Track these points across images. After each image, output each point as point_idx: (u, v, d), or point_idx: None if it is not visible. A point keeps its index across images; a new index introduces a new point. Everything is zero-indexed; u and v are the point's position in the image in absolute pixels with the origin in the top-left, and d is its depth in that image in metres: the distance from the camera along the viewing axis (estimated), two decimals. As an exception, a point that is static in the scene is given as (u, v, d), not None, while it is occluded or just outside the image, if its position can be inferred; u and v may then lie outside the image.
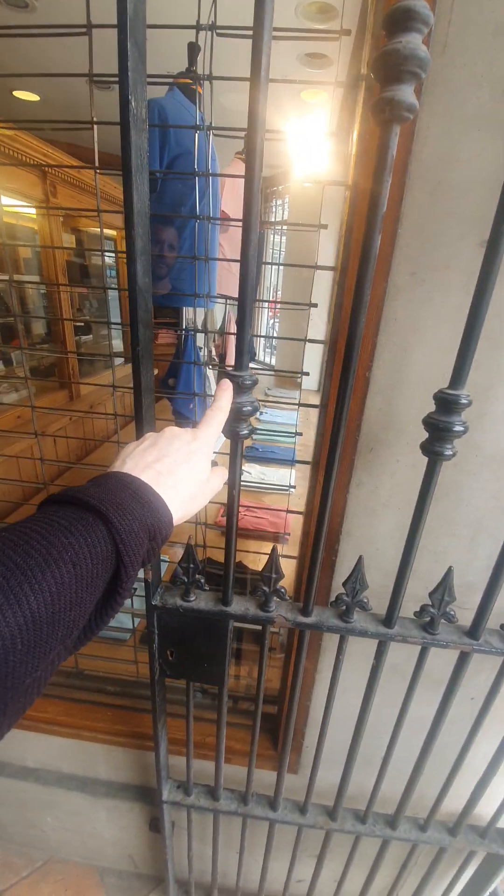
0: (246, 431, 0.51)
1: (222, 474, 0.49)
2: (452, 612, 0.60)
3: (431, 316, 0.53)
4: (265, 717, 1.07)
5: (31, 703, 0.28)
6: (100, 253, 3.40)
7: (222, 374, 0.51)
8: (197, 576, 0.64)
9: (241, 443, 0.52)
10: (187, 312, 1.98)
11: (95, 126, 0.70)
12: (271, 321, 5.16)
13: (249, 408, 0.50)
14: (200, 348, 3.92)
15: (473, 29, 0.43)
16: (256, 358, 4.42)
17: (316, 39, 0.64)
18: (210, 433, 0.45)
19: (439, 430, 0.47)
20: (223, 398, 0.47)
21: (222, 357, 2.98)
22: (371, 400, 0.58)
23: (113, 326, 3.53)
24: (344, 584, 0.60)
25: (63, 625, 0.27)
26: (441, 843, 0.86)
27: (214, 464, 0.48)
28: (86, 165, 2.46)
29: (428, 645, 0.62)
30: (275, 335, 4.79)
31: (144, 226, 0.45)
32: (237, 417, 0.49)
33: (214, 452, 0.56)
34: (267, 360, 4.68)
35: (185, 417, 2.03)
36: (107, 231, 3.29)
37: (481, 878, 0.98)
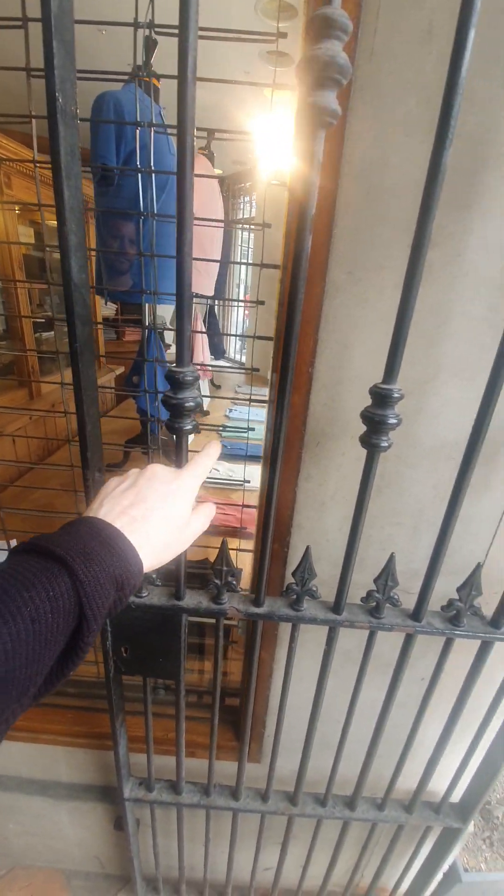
0: (189, 427, 0.52)
1: (206, 514, 0.47)
2: (396, 597, 0.63)
3: (368, 314, 0.55)
4: (229, 710, 1.09)
5: None
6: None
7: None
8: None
9: (185, 438, 0.53)
10: (150, 309, 1.95)
11: (34, 119, 0.68)
12: (246, 320, 5.16)
13: (192, 403, 0.50)
14: (169, 346, 3.89)
15: (400, 36, 0.45)
16: (226, 355, 4.42)
17: (257, 41, 0.65)
18: (193, 475, 0.45)
19: (375, 423, 0.49)
20: (213, 447, 0.49)
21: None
22: (315, 395, 0.60)
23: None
24: (293, 574, 0.62)
25: (18, 684, 0.26)
26: (398, 821, 0.90)
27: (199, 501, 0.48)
28: (26, 160, 2.37)
29: (374, 629, 0.65)
30: (243, 333, 4.79)
31: (78, 221, 0.45)
32: (179, 413, 0.50)
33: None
34: (239, 357, 4.68)
35: (151, 416, 2.02)
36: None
37: (439, 852, 1.03)
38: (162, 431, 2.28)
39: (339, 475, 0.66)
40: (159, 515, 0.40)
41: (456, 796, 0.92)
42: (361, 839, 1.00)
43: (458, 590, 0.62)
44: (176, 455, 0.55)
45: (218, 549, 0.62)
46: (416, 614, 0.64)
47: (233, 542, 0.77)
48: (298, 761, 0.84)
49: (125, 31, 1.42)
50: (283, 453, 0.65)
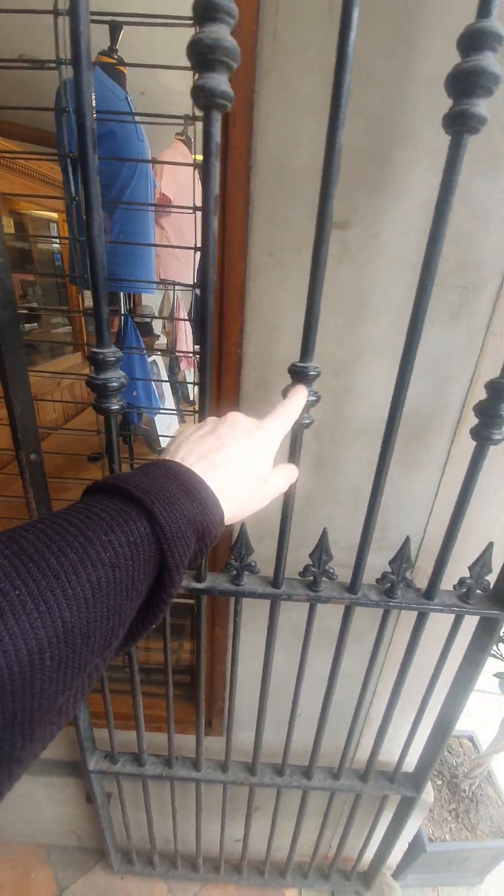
0: (116, 407, 0.53)
1: (287, 474, 0.43)
2: (332, 570, 0.65)
3: (290, 296, 0.56)
4: (192, 686, 1.12)
5: (64, 723, 0.24)
6: (44, 238, 3.28)
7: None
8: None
9: (114, 419, 0.55)
10: (128, 298, 1.96)
11: None
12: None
13: (116, 384, 0.52)
14: (157, 336, 3.86)
15: (302, 16, 0.45)
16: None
17: (158, 25, 0.65)
18: (277, 427, 0.41)
19: (294, 401, 0.51)
20: (298, 395, 0.45)
21: (173, 343, 2.96)
22: (246, 376, 0.62)
23: (64, 314, 3.43)
24: (231, 550, 0.64)
25: (100, 636, 0.24)
26: (354, 790, 0.93)
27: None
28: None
29: (312, 601, 0.67)
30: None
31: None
32: (104, 393, 0.52)
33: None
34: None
35: (128, 405, 2.03)
36: (49, 214, 3.18)
37: (398, 821, 1.06)
38: (143, 421, 2.29)
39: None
40: (239, 465, 0.36)
41: (410, 766, 0.96)
42: (322, 809, 1.03)
43: (390, 563, 0.64)
44: (107, 440, 0.56)
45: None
46: (352, 587, 0.66)
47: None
48: (258, 733, 0.88)
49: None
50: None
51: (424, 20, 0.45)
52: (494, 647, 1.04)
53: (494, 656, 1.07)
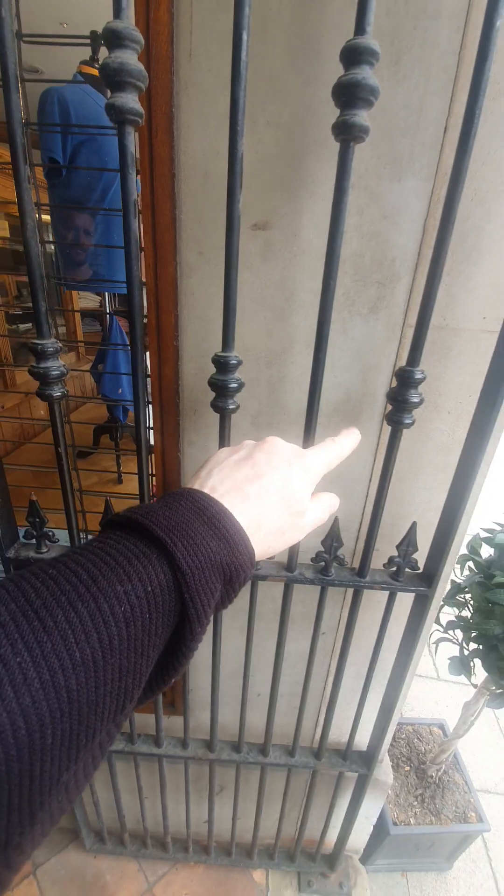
0: (59, 394, 0.58)
1: (327, 505, 0.40)
2: (268, 551, 0.69)
3: (219, 291, 0.61)
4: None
5: (73, 800, 0.22)
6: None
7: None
8: (45, 529, 0.70)
9: (57, 405, 0.59)
10: (112, 300, 2.01)
11: None
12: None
13: (56, 372, 0.57)
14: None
15: (214, 36, 0.50)
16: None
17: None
18: (321, 460, 0.39)
19: (219, 388, 0.55)
20: (351, 436, 0.45)
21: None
22: (185, 367, 0.66)
23: (58, 314, 3.49)
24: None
25: (111, 701, 0.21)
26: (308, 766, 0.97)
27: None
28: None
29: (252, 579, 0.71)
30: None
31: None
32: (46, 381, 0.56)
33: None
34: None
35: (112, 401, 2.08)
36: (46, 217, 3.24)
37: (355, 801, 1.10)
38: (129, 418, 2.35)
39: (217, 440, 0.72)
40: (276, 498, 0.34)
41: (364, 745, 1.00)
42: (282, 790, 1.07)
43: (322, 542, 0.68)
44: (52, 428, 0.61)
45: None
46: (289, 566, 0.71)
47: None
48: (221, 713, 0.92)
49: (84, 27, 1.48)
50: (163, 419, 0.72)
51: (326, 36, 0.49)
52: (452, 633, 1.08)
53: (450, 640, 1.11)
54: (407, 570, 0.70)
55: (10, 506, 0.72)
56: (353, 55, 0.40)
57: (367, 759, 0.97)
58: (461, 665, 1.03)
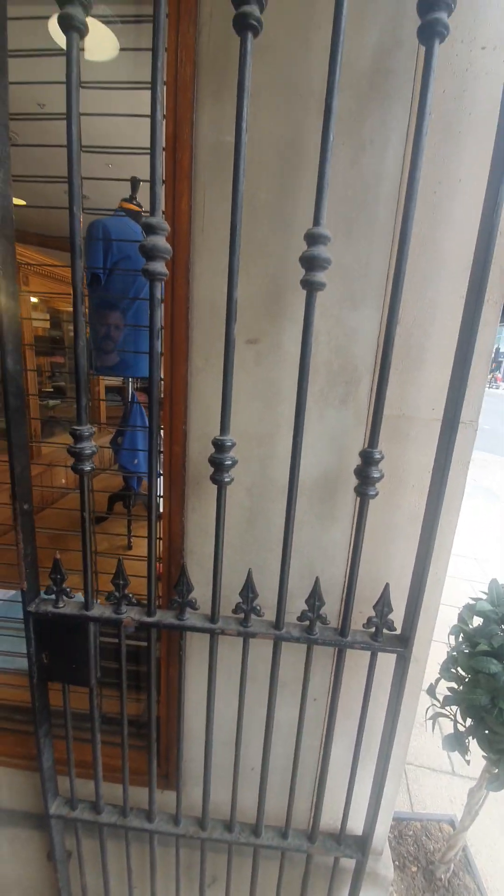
0: (89, 468, 0.72)
1: None
2: (259, 607, 0.78)
3: (220, 389, 0.77)
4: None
5: None
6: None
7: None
8: (64, 585, 0.80)
9: (87, 477, 0.72)
10: (133, 383, 2.26)
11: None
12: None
13: (89, 451, 0.71)
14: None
15: (218, 217, 0.71)
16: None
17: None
18: None
19: (217, 464, 0.69)
20: None
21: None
22: (191, 446, 0.80)
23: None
24: (174, 587, 0.78)
25: None
26: (301, 849, 0.94)
27: None
28: (44, 264, 2.85)
29: (243, 635, 0.78)
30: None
31: (14, 336, 0.68)
32: (81, 458, 0.70)
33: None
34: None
35: (129, 472, 2.25)
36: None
37: (354, 890, 1.02)
38: (142, 487, 2.48)
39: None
40: None
41: (359, 829, 0.96)
42: (276, 881, 1.01)
43: (306, 601, 0.76)
44: (80, 496, 0.74)
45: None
46: (277, 624, 0.78)
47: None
48: (213, 791, 0.92)
49: (127, 167, 1.89)
50: (171, 490, 0.84)
51: (299, 215, 0.69)
52: (448, 708, 1.09)
53: (445, 715, 1.10)
54: (385, 630, 0.77)
55: (37, 565, 0.83)
56: (312, 239, 0.59)
57: (363, 844, 0.93)
58: (455, 741, 1.02)
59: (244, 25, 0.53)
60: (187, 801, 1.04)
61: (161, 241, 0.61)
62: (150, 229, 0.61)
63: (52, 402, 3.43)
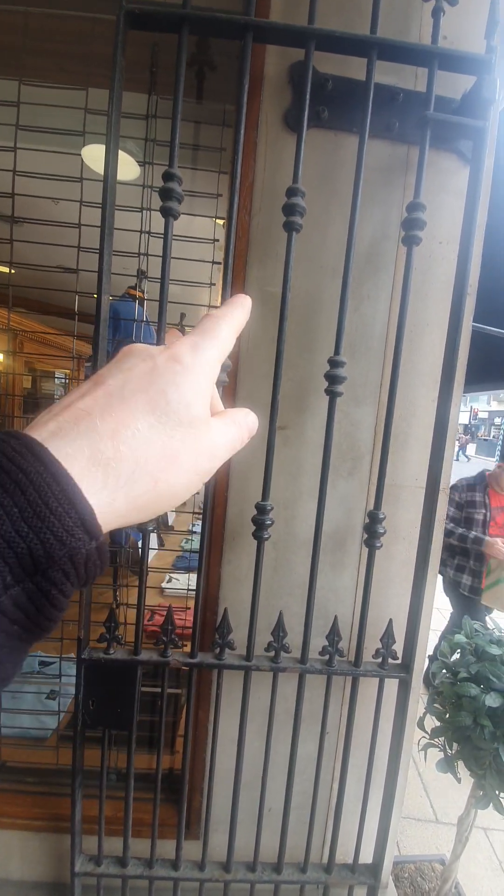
0: (152, 528, 0.87)
1: (241, 421, 0.29)
2: (287, 645, 0.93)
3: (257, 464, 0.97)
4: (170, 786, 1.20)
5: None
6: (52, 387, 3.91)
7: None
8: (116, 633, 0.92)
9: (147, 536, 0.88)
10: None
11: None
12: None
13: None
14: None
15: (254, 371, 0.95)
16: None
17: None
18: (206, 345, 0.26)
19: (259, 523, 0.87)
20: (238, 307, 0.30)
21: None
22: (230, 509, 0.98)
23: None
24: (216, 630, 0.92)
25: None
26: (320, 881, 1.02)
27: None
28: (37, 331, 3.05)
29: (274, 670, 0.93)
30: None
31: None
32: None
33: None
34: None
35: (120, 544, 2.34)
36: (50, 368, 3.87)
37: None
38: (129, 543, 2.55)
39: (249, 560, 1.00)
40: (141, 402, 0.22)
41: (369, 858, 1.06)
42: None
43: (326, 637, 0.93)
44: (140, 560, 0.89)
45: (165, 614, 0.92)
46: (303, 659, 0.93)
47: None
48: (235, 833, 0.99)
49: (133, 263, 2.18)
50: (211, 545, 1.01)
51: (321, 339, 0.94)
52: (437, 740, 1.24)
53: (435, 746, 1.25)
54: (390, 660, 0.94)
55: (89, 615, 0.94)
56: (334, 364, 0.83)
57: (375, 870, 1.03)
58: (447, 764, 1.16)
59: (291, 226, 0.80)
60: (208, 850, 1.08)
61: (226, 360, 0.83)
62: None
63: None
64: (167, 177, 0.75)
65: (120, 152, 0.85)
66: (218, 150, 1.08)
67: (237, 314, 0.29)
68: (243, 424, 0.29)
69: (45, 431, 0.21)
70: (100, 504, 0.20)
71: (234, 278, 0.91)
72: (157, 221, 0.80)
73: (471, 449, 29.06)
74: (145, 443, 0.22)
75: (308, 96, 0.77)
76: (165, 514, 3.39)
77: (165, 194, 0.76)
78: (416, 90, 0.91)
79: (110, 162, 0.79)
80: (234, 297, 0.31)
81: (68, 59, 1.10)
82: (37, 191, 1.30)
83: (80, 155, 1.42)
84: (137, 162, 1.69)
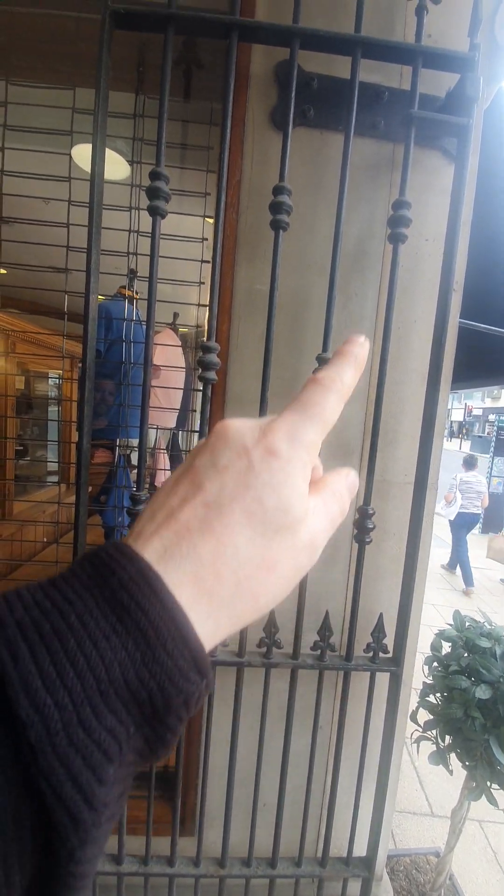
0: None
1: (339, 491, 0.26)
2: (279, 640, 0.93)
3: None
4: (166, 784, 1.21)
5: None
6: (45, 388, 3.89)
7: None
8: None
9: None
10: (120, 445, 2.41)
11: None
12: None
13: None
14: (135, 466, 4.29)
15: (245, 355, 0.95)
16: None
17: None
18: (306, 428, 0.23)
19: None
20: (348, 365, 0.26)
21: (153, 476, 3.39)
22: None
23: (51, 447, 3.85)
24: (208, 627, 0.92)
25: None
26: (315, 874, 1.03)
27: None
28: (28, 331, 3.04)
29: (266, 666, 0.93)
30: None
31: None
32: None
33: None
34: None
35: (112, 528, 2.33)
36: (43, 369, 3.85)
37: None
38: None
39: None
40: (238, 514, 0.21)
41: (363, 851, 1.07)
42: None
43: (318, 632, 0.94)
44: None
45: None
46: (295, 654, 0.94)
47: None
48: (230, 828, 1.00)
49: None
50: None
51: (308, 338, 0.95)
52: (430, 732, 1.25)
53: (428, 738, 1.26)
54: (381, 654, 0.95)
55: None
56: (322, 361, 0.84)
57: (368, 863, 1.04)
58: (439, 756, 1.17)
59: (277, 224, 0.80)
60: (202, 846, 1.09)
61: (214, 357, 0.83)
62: (207, 350, 0.83)
63: (20, 462, 3.44)
64: (154, 175, 0.76)
65: (110, 152, 0.86)
66: (206, 148, 1.09)
67: (347, 376, 0.26)
68: (344, 493, 0.27)
69: (153, 552, 0.20)
70: (205, 634, 0.20)
71: (223, 276, 0.91)
72: (147, 220, 0.80)
73: (465, 445, 29.29)
74: (245, 561, 0.21)
75: (293, 95, 0.78)
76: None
77: (152, 193, 0.76)
78: (401, 88, 0.92)
79: (97, 161, 0.79)
80: (348, 343, 0.27)
81: (55, 58, 1.10)
82: (27, 191, 1.30)
83: (69, 155, 1.43)
84: (127, 161, 1.69)
